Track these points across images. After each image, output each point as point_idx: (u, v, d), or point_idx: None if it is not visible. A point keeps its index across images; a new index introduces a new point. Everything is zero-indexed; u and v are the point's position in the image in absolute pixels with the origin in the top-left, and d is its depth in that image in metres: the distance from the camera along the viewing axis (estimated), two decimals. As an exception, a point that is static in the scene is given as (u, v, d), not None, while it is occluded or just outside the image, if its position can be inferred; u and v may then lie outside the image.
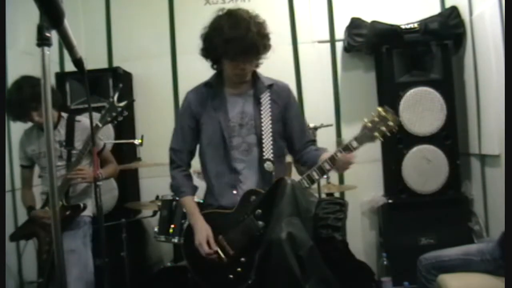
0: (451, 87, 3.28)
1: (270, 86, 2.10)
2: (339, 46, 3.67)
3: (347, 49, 3.59)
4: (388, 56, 3.29)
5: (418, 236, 3.21)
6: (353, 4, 3.63)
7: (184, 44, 3.75)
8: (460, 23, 3.28)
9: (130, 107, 2.51)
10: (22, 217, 2.76)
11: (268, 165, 2.01)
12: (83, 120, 2.63)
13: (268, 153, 2.01)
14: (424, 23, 3.29)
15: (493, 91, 2.85)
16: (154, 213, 2.94)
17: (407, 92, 3.22)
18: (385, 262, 3.20)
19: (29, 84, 2.38)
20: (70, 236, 2.44)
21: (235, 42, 1.87)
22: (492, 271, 2.06)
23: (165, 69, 3.77)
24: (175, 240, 2.66)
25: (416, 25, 3.29)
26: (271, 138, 2.03)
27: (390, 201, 3.32)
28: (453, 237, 2.94)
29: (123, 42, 3.81)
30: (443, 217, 3.20)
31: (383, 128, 1.85)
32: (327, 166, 1.91)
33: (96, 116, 2.79)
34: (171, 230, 2.66)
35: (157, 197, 3.04)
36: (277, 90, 2.11)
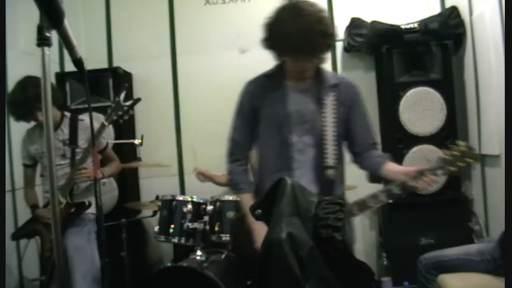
0: (451, 87, 3.27)
1: (335, 85, 1.97)
2: (339, 46, 3.66)
3: (347, 49, 3.58)
4: (388, 56, 3.29)
5: (418, 236, 3.21)
6: (353, 4, 3.63)
7: (184, 44, 3.75)
8: (460, 23, 3.28)
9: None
10: (22, 217, 2.76)
11: (330, 172, 1.92)
12: (86, 119, 2.65)
13: (330, 159, 1.91)
14: (424, 23, 3.29)
15: (493, 91, 2.85)
16: (154, 213, 2.95)
17: (407, 92, 3.22)
18: (385, 262, 3.20)
19: (33, 84, 2.39)
20: (75, 233, 2.47)
21: (292, 37, 1.76)
22: (492, 271, 2.07)
23: (165, 69, 3.77)
24: (175, 240, 2.66)
25: (416, 25, 3.29)
26: (334, 142, 1.91)
27: (390, 201, 3.31)
28: (453, 237, 2.94)
29: (123, 42, 3.81)
30: (443, 217, 3.20)
31: (461, 164, 1.76)
32: (396, 191, 1.87)
33: (96, 116, 2.79)
34: (171, 230, 2.66)
35: (157, 197, 3.05)
36: (343, 89, 1.98)
